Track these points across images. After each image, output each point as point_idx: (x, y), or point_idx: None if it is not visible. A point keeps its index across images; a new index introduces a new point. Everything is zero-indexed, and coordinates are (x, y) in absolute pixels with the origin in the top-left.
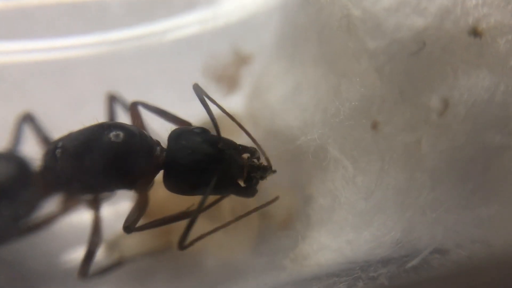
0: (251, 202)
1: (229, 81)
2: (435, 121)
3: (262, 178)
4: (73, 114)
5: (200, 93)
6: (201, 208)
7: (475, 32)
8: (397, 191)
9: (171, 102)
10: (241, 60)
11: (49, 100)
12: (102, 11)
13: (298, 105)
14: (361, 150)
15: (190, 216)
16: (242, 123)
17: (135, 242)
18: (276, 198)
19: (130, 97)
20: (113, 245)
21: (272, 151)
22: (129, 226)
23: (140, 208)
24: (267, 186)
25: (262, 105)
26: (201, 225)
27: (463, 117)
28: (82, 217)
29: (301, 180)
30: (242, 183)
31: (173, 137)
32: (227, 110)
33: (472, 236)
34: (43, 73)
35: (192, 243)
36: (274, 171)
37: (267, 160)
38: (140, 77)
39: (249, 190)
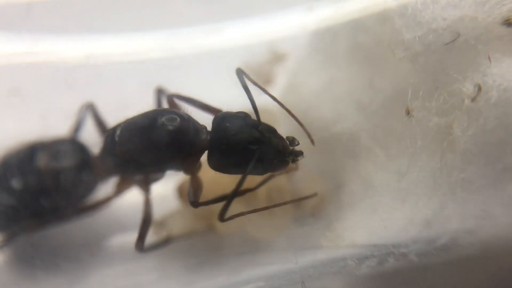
0: (286, 190)
1: (265, 77)
2: (467, 106)
3: (294, 160)
4: None
5: (243, 79)
6: (255, 187)
7: (507, 22)
8: (429, 172)
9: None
10: (277, 57)
11: None
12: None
13: (332, 97)
14: (393, 136)
15: (245, 193)
16: (277, 116)
17: (180, 223)
18: (313, 195)
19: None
20: (161, 225)
21: (306, 140)
22: (195, 202)
23: (196, 187)
24: (299, 173)
25: (297, 98)
26: (238, 209)
27: (495, 101)
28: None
29: (333, 167)
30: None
31: (218, 120)
32: (262, 102)
33: (501, 215)
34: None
35: (231, 217)
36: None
37: (309, 136)
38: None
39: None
